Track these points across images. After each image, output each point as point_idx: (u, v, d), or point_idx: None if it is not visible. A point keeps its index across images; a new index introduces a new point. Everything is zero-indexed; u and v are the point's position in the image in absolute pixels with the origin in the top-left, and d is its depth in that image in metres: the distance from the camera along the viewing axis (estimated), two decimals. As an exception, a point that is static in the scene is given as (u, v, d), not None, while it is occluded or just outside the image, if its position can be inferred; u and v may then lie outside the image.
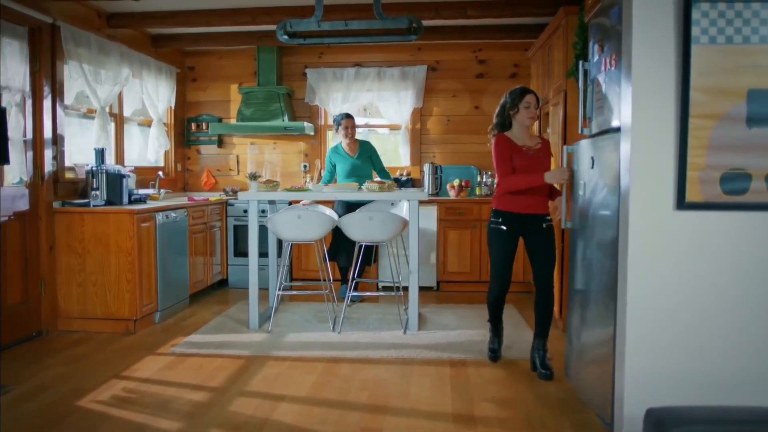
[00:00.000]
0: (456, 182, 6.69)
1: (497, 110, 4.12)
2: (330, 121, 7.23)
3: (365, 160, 5.98)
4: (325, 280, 5.32)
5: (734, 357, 2.43)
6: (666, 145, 2.44)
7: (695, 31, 2.37)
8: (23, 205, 4.71)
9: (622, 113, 2.60)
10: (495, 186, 4.11)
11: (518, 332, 4.80)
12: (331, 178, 6.10)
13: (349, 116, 6.01)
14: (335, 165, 6.01)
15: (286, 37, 4.54)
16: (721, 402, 2.36)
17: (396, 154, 7.31)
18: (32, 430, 3.16)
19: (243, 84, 7.27)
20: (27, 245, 4.73)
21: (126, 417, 3.31)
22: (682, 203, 2.44)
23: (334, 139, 7.02)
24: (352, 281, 5.20)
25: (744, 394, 2.40)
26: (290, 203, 5.84)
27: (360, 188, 5.28)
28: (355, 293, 5.55)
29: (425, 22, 5.03)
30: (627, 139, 2.51)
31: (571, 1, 4.81)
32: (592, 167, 3.13)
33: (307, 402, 3.52)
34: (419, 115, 7.14)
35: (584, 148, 3.34)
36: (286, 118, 6.90)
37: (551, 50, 5.36)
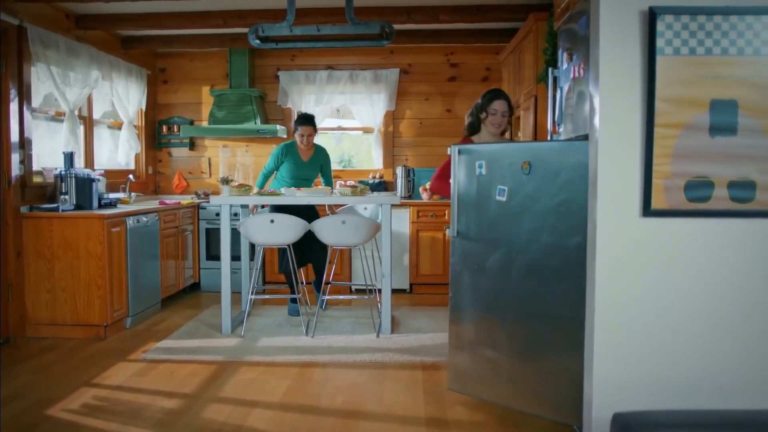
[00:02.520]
0: (428, 185, 6.73)
1: (469, 110, 4.05)
2: (303, 124, 7.22)
3: (316, 167, 5.72)
4: (300, 283, 5.31)
5: (700, 362, 2.49)
6: (632, 153, 2.49)
7: (660, 42, 2.42)
8: (-10, 210, 4.63)
9: (589, 121, 2.65)
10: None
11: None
12: (266, 181, 5.72)
13: (306, 123, 5.50)
14: (282, 164, 5.60)
15: (258, 41, 4.53)
16: (687, 406, 2.42)
17: (369, 156, 7.33)
18: (0, 440, 3.12)
19: (215, 86, 7.23)
20: (-6, 251, 4.66)
21: (97, 426, 3.28)
22: (647, 210, 2.49)
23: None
24: (325, 283, 5.21)
25: (709, 398, 2.46)
26: (262, 206, 5.80)
27: (332, 192, 5.29)
28: (294, 303, 5.55)
29: (397, 26, 5.07)
30: (594, 147, 2.56)
31: (540, 7, 4.89)
32: (528, 173, 3.08)
33: (281, 408, 3.52)
34: (392, 118, 7.16)
35: (503, 152, 3.22)
36: (258, 120, 6.87)
37: (522, 55, 5.42)
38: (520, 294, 3.16)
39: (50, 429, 3.23)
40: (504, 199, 3.17)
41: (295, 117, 7.24)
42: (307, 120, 5.53)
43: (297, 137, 5.56)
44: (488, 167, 3.23)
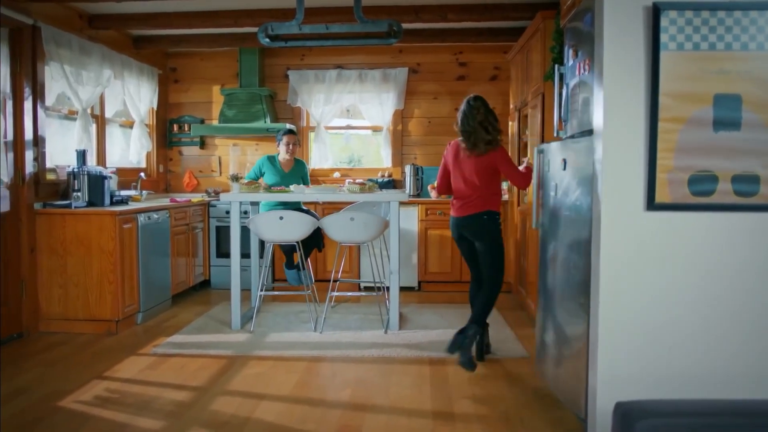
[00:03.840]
0: (437, 183, 6.75)
1: (496, 122, 4.35)
2: (312, 123, 7.28)
3: (297, 178, 5.89)
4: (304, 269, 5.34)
5: (703, 354, 2.51)
6: (636, 147, 2.51)
7: (664, 38, 2.45)
8: (4, 206, 4.70)
9: (594, 117, 2.67)
10: (484, 190, 4.34)
11: (497, 331, 4.87)
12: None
13: (291, 132, 5.92)
14: (263, 174, 5.85)
15: (267, 40, 4.57)
16: (687, 396, 2.44)
17: (377, 155, 7.37)
18: (12, 431, 3.17)
19: (225, 85, 7.29)
20: (7, 247, 4.72)
21: (108, 417, 3.33)
22: (651, 204, 2.51)
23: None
24: (333, 281, 5.25)
25: (709, 389, 2.49)
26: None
27: (340, 189, 5.33)
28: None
29: (406, 25, 5.10)
30: (599, 141, 2.58)
31: (548, 5, 4.91)
32: (564, 169, 3.19)
33: (289, 401, 3.56)
34: (401, 117, 7.20)
35: (555, 150, 3.41)
36: (268, 119, 6.93)
37: (530, 53, 5.44)
38: (558, 284, 3.33)
39: (62, 419, 3.29)
40: (553, 193, 3.37)
41: (305, 117, 7.31)
42: (290, 130, 5.97)
43: (282, 147, 5.84)
44: (550, 165, 3.47)
